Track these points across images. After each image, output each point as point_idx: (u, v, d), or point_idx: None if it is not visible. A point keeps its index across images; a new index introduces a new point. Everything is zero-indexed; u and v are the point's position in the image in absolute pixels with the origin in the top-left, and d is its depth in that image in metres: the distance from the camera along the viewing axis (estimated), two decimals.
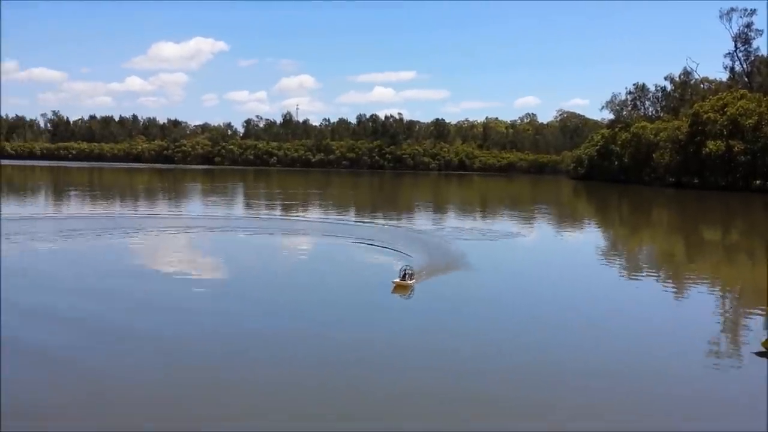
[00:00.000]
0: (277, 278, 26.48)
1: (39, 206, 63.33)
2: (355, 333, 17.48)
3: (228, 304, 20.61)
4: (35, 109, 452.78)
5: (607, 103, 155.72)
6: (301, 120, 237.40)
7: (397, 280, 23.03)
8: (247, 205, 70.61)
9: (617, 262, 34.42)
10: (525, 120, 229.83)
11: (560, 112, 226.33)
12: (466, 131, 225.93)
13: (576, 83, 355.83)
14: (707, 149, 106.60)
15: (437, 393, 12.93)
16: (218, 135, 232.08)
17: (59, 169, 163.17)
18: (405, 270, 23.51)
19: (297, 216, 56.56)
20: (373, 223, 50.52)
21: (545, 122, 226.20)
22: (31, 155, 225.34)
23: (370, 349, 16.00)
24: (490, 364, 15.00)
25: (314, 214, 59.42)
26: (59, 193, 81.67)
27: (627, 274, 30.19)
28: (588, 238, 46.03)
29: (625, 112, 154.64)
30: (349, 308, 20.71)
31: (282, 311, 20.10)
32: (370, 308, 21.00)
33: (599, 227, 56.24)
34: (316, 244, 39.22)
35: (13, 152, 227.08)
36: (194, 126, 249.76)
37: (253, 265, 29.91)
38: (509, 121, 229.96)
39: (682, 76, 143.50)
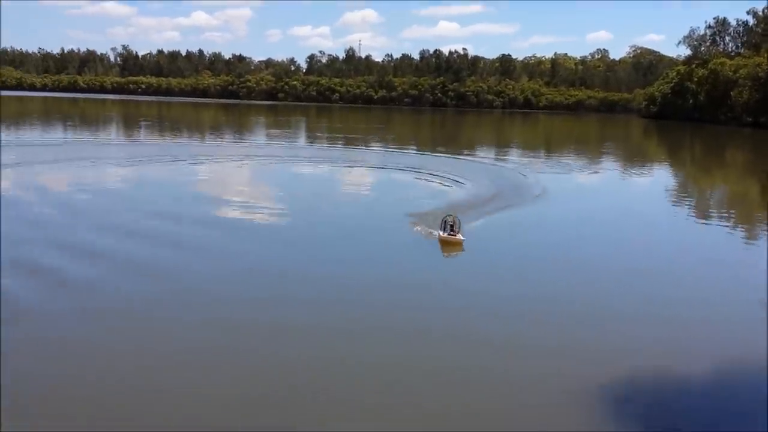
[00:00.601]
0: (327, 211, 25.91)
1: (111, 134, 65.67)
2: (396, 273, 16.85)
3: (269, 237, 20.62)
4: (105, 43, 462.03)
5: (685, 38, 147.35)
6: (363, 56, 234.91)
7: (442, 234, 19.67)
8: (309, 138, 71.17)
9: (687, 204, 33.23)
10: (596, 56, 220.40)
11: (633, 48, 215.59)
12: (533, 67, 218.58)
13: (651, 17, 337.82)
14: None
15: (467, 334, 12.62)
16: (281, 71, 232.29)
17: (129, 102, 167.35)
18: (449, 220, 20.01)
19: (358, 148, 56.68)
20: (433, 155, 50.17)
21: (617, 59, 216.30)
22: (102, 89, 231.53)
23: (406, 290, 15.37)
24: (544, 306, 14.56)
25: (375, 147, 59.37)
26: (132, 123, 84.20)
27: (697, 215, 29.14)
28: (658, 179, 44.42)
29: (703, 48, 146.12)
30: (396, 247, 19.76)
31: (326, 248, 19.26)
32: (415, 248, 19.66)
33: (671, 167, 54.23)
34: (373, 176, 39.22)
35: (85, 86, 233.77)
36: (258, 61, 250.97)
37: (308, 196, 29.60)
38: (579, 57, 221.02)
39: (765, 11, 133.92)
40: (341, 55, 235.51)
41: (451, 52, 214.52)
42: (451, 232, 19.58)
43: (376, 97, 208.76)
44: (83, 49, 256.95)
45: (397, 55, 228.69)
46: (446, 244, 19.29)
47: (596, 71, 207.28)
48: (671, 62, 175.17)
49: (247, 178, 36.08)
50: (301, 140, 68.56)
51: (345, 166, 42.46)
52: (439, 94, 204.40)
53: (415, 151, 56.21)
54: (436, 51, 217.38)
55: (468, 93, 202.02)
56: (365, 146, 59.96)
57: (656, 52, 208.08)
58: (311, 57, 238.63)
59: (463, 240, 19.35)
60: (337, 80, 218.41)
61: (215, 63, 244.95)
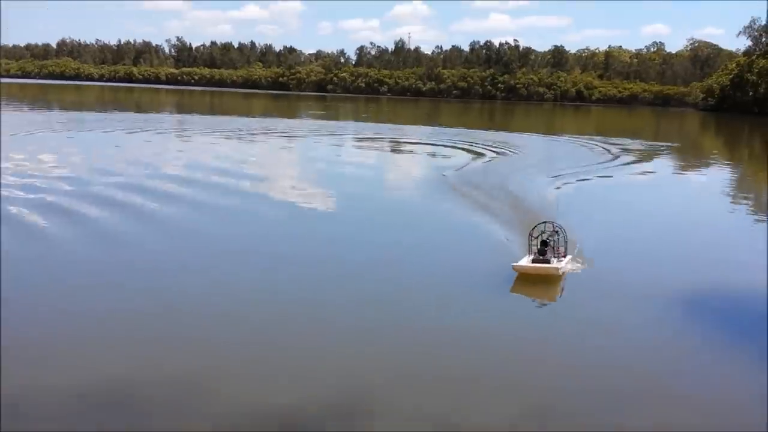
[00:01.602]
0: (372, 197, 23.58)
1: (165, 116, 67.17)
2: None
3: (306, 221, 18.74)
4: (160, 35, 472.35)
5: (745, 28, 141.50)
6: (412, 48, 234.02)
7: (526, 263, 12.73)
8: (357, 120, 71.24)
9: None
10: (651, 49, 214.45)
11: (691, 41, 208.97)
12: (586, 60, 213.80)
13: (710, 10, 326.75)
14: None
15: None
16: (331, 62, 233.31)
17: (183, 91, 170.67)
18: (546, 232, 13.21)
19: (404, 127, 56.48)
20: (481, 131, 49.55)
21: (674, 52, 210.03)
22: (157, 80, 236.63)
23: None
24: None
25: (422, 129, 59.03)
26: (185, 107, 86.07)
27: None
28: (717, 175, 42.29)
29: (765, 39, 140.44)
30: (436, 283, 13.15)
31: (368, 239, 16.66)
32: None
33: (732, 164, 52.26)
34: (418, 158, 38.90)
35: (140, 77, 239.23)
36: (308, 54, 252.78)
37: (355, 182, 27.24)
38: (634, 50, 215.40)
39: None
40: (391, 48, 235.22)
41: (501, 44, 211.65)
42: (540, 258, 12.62)
43: (424, 89, 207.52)
44: (139, 40, 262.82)
45: (447, 48, 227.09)
46: (529, 275, 12.33)
47: (652, 64, 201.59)
48: (730, 56, 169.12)
49: (294, 157, 36.27)
50: (350, 123, 68.65)
51: (393, 148, 42.30)
52: (488, 87, 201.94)
53: (465, 132, 55.61)
54: (486, 42, 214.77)
55: (518, 85, 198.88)
56: (412, 129, 59.68)
57: (715, 45, 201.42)
58: (360, 49, 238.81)
59: (561, 271, 12.49)
60: (386, 72, 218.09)
61: (266, 55, 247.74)
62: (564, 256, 12.99)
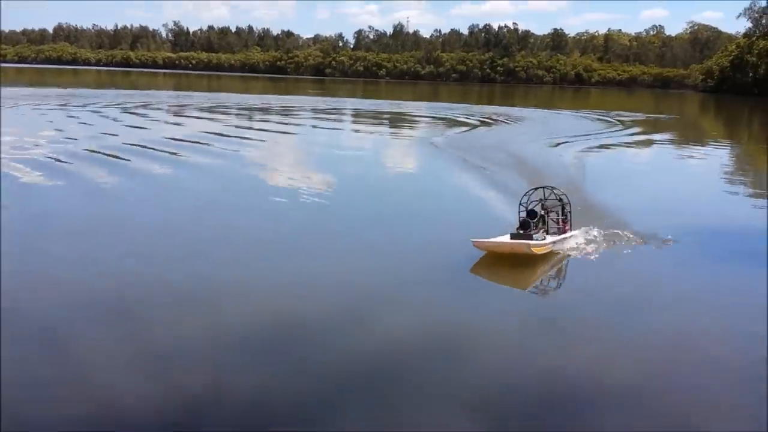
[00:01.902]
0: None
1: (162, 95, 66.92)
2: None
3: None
4: (157, 20, 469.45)
5: (746, 10, 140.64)
6: (411, 31, 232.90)
7: (497, 238, 10.18)
8: (355, 96, 71.10)
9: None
10: (651, 32, 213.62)
11: (691, 24, 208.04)
12: (585, 43, 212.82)
13: None
14: None
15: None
16: (329, 46, 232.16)
17: (180, 75, 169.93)
18: (545, 199, 10.79)
19: (406, 103, 56.30)
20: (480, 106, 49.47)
21: (673, 35, 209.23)
22: (155, 64, 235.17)
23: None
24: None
25: (421, 106, 58.87)
26: (184, 87, 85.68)
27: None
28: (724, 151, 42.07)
29: (765, 20, 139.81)
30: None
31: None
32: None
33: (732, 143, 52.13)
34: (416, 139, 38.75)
35: (137, 61, 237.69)
36: (306, 38, 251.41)
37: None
38: (633, 33, 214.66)
39: None
40: (389, 32, 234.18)
41: (500, 27, 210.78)
42: (520, 232, 10.09)
43: (423, 72, 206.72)
44: (136, 25, 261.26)
45: (445, 31, 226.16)
46: (499, 254, 9.94)
47: (651, 47, 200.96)
48: (730, 39, 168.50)
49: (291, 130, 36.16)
50: (348, 99, 68.49)
51: (394, 119, 42.16)
52: (487, 70, 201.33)
53: (463, 107, 55.41)
54: (485, 26, 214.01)
55: (517, 68, 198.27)
56: (411, 106, 59.51)
57: (714, 28, 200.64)
58: (359, 33, 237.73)
59: (541, 249, 9.96)
60: (384, 55, 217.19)
61: (264, 39, 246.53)
62: (565, 231, 10.64)
